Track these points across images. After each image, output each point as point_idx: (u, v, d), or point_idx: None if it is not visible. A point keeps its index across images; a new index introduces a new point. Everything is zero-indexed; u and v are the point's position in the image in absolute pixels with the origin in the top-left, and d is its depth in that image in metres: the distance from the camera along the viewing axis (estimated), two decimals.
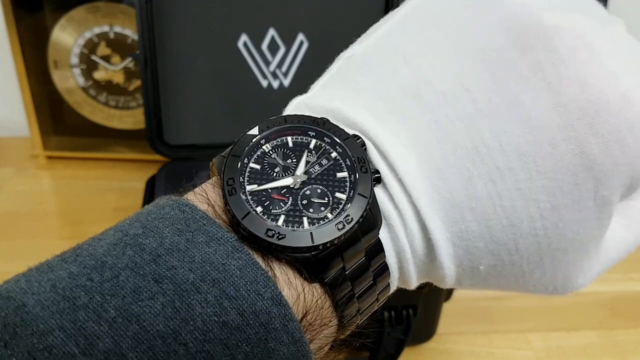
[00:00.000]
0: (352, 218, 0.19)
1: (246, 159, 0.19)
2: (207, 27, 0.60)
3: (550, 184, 0.21)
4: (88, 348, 0.15)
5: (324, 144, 0.20)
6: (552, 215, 0.21)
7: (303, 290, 0.19)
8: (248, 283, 0.17)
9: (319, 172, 0.19)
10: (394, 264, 0.22)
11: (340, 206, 0.19)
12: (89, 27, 0.66)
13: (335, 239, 0.18)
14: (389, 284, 0.22)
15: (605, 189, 0.21)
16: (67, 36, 0.67)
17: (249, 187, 0.19)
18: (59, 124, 0.73)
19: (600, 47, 0.22)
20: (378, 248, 0.21)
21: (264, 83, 0.62)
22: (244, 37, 0.60)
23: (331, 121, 0.21)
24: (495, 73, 0.21)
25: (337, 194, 0.19)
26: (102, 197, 0.65)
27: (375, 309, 0.22)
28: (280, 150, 0.20)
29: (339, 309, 0.20)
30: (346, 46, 0.67)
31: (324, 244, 0.18)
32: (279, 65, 0.61)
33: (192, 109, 0.61)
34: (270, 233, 0.18)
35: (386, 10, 0.61)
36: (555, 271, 0.23)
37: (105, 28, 0.67)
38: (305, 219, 0.19)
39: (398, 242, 0.21)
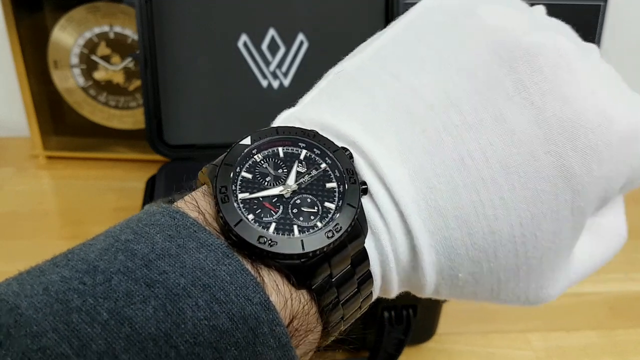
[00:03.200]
0: (341, 227, 0.19)
1: (238, 167, 0.20)
2: (207, 27, 0.60)
3: (531, 194, 0.22)
4: (81, 349, 0.15)
5: (313, 155, 0.21)
6: (531, 224, 0.22)
7: (290, 297, 0.19)
8: (238, 288, 0.18)
9: (309, 182, 0.20)
10: (378, 272, 0.22)
11: (330, 215, 0.20)
12: (89, 27, 0.67)
13: (325, 246, 0.19)
14: (371, 292, 0.23)
15: (582, 200, 0.23)
16: (67, 36, 0.67)
17: (241, 196, 0.19)
18: (59, 124, 0.73)
19: (580, 67, 0.23)
20: (363, 256, 0.21)
21: (264, 83, 0.62)
22: (244, 37, 0.60)
23: (320, 133, 0.22)
24: (481, 89, 0.22)
25: (327, 204, 0.20)
26: (102, 197, 0.65)
27: (358, 316, 0.23)
28: (272, 160, 0.20)
29: (324, 315, 0.21)
30: (346, 46, 0.67)
31: (314, 252, 0.19)
32: (279, 65, 0.61)
33: (192, 109, 0.61)
34: (262, 240, 0.18)
35: (386, 10, 0.61)
36: (528, 281, 0.24)
37: (105, 28, 0.67)
38: (295, 227, 0.19)
39: (382, 250, 0.22)
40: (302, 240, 0.19)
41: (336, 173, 0.20)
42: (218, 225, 0.19)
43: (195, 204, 0.21)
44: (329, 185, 0.20)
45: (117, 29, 0.67)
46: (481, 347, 0.47)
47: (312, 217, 0.19)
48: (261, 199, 0.19)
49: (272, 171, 0.20)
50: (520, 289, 0.24)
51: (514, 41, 0.23)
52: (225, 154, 0.20)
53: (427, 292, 0.24)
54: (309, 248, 0.19)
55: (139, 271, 0.17)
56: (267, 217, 0.19)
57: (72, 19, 0.66)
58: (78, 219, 0.62)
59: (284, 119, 0.25)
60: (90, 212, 0.63)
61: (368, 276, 0.22)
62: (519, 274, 0.23)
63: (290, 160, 0.20)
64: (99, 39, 0.67)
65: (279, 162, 0.20)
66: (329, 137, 0.22)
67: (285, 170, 0.20)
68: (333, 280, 0.20)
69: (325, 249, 0.19)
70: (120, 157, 0.71)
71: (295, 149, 0.21)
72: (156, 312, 0.16)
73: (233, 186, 0.19)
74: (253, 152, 0.20)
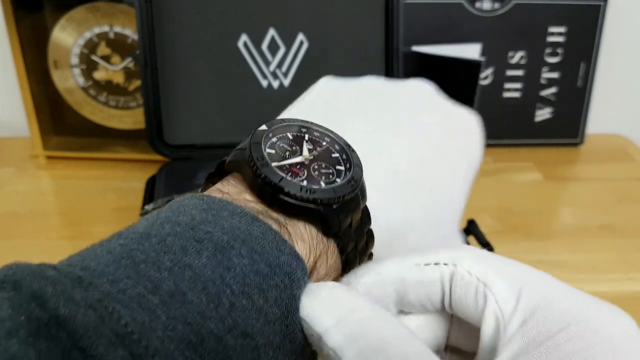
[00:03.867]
0: (356, 180, 0.24)
1: (263, 145, 0.23)
2: (207, 27, 0.60)
3: None
4: (155, 289, 0.18)
5: (314, 137, 0.25)
6: None
7: (315, 246, 0.23)
8: (270, 242, 0.21)
9: (318, 153, 0.24)
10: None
11: (343, 173, 0.24)
12: (89, 27, 0.66)
13: (350, 192, 0.23)
14: (372, 252, 0.26)
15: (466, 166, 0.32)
16: (67, 36, 0.67)
17: (272, 164, 0.23)
18: (59, 124, 0.73)
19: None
20: (368, 213, 0.25)
21: (264, 83, 0.61)
22: (244, 37, 0.60)
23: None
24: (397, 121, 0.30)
25: (337, 167, 0.24)
26: (102, 197, 0.65)
27: None
28: (284, 141, 0.24)
29: (347, 265, 0.24)
30: (346, 46, 0.67)
31: (344, 196, 0.23)
32: (279, 65, 0.61)
33: (192, 109, 0.61)
34: (303, 189, 0.22)
35: (386, 10, 0.61)
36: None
37: (105, 28, 0.67)
38: (321, 181, 0.23)
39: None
40: (332, 189, 0.23)
41: (336, 147, 0.25)
42: (253, 192, 0.23)
43: (217, 189, 0.23)
44: (334, 155, 0.25)
45: (117, 29, 0.67)
46: None
47: (330, 177, 0.24)
48: (288, 165, 0.23)
49: (288, 148, 0.24)
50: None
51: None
52: (249, 137, 0.24)
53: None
54: (339, 193, 0.23)
55: (186, 233, 0.20)
56: (298, 177, 0.23)
57: (72, 19, 0.66)
58: (78, 218, 0.62)
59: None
60: (90, 212, 0.63)
61: (372, 235, 0.25)
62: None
63: (298, 140, 0.25)
64: (99, 39, 0.67)
65: (290, 142, 0.24)
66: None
67: (297, 147, 0.24)
68: (352, 229, 0.24)
69: (351, 194, 0.23)
70: (120, 157, 0.71)
71: (299, 132, 0.25)
72: (209, 260, 0.19)
73: (265, 157, 0.23)
74: (270, 134, 0.24)
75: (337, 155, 0.25)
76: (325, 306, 0.20)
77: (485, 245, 0.51)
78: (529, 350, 0.19)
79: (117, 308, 0.17)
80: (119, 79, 0.69)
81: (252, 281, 0.19)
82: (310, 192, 0.22)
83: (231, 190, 0.23)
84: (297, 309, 0.20)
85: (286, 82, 0.62)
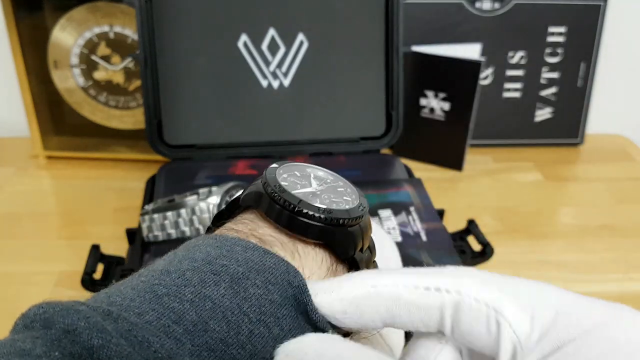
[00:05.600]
0: (364, 206, 0.25)
1: (277, 177, 0.25)
2: (207, 27, 0.60)
3: None
4: (179, 320, 0.19)
5: (319, 175, 0.27)
6: None
7: (326, 273, 0.23)
8: (282, 273, 0.21)
9: (326, 187, 0.26)
10: None
11: (351, 202, 0.25)
12: (89, 27, 0.66)
13: (360, 215, 0.24)
14: None
15: None
16: (67, 36, 0.67)
17: (289, 191, 0.24)
18: (59, 124, 0.73)
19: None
20: (374, 243, 0.26)
21: (264, 83, 0.61)
22: (244, 37, 0.60)
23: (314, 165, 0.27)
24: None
25: (345, 197, 0.26)
26: (102, 197, 0.65)
27: None
28: (294, 177, 0.26)
29: None
30: (346, 46, 0.68)
31: (356, 217, 0.24)
32: (279, 65, 0.61)
33: (192, 109, 0.61)
34: (321, 210, 0.23)
35: (386, 10, 0.61)
36: None
37: (105, 28, 0.67)
38: (334, 207, 0.24)
39: None
40: (347, 210, 0.24)
41: (340, 183, 0.27)
42: (269, 220, 0.24)
43: (230, 228, 0.24)
44: (340, 189, 0.26)
45: (117, 29, 0.67)
46: None
47: (340, 204, 0.25)
48: (302, 194, 0.25)
49: (298, 182, 0.26)
50: None
51: None
52: (262, 176, 0.26)
53: None
54: (353, 215, 0.24)
55: (204, 267, 0.21)
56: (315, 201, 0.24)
57: (72, 18, 0.66)
58: (78, 219, 0.62)
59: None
60: (90, 212, 0.63)
61: (377, 265, 0.26)
62: None
63: (305, 177, 0.26)
64: (99, 39, 0.67)
65: (299, 177, 0.26)
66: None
67: (306, 182, 0.26)
68: (363, 253, 0.25)
69: (362, 216, 0.24)
70: (120, 157, 0.71)
71: (305, 172, 0.27)
72: (227, 291, 0.20)
73: (281, 185, 0.25)
74: (280, 171, 0.26)
75: (342, 189, 0.26)
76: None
77: (485, 245, 0.51)
78: (549, 355, 0.19)
79: (146, 336, 0.18)
80: (119, 79, 0.69)
81: (267, 310, 0.20)
82: (327, 212, 0.23)
83: (243, 228, 0.24)
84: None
85: (286, 82, 0.62)
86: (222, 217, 0.26)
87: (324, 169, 0.27)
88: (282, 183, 0.25)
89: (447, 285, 0.21)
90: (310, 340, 0.20)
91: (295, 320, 0.21)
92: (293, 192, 0.24)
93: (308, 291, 0.21)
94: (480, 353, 0.21)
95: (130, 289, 0.20)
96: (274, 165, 0.26)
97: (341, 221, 0.23)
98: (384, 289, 0.21)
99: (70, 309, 0.18)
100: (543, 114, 0.77)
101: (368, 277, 0.22)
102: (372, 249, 0.26)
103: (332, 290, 0.21)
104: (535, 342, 0.20)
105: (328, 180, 0.26)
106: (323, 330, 0.21)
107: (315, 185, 0.26)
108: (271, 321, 0.20)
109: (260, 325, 0.20)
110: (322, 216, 0.23)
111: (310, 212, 0.23)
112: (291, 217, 0.23)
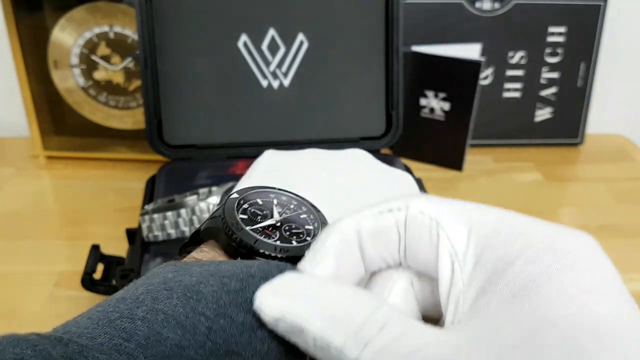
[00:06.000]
0: None
1: (236, 212, 0.25)
2: (207, 27, 0.60)
3: None
4: (130, 337, 0.19)
5: (283, 200, 0.27)
6: None
7: None
8: (238, 265, 0.22)
9: (288, 215, 0.26)
10: None
11: (312, 232, 0.26)
12: (89, 27, 0.67)
13: None
14: None
15: None
16: (67, 36, 0.67)
17: (247, 227, 0.25)
18: (59, 124, 0.73)
19: None
20: None
21: (264, 83, 0.61)
22: (244, 37, 0.60)
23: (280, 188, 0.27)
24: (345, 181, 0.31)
25: (307, 226, 0.26)
26: (102, 197, 0.65)
27: None
28: (255, 206, 0.26)
29: None
30: (346, 46, 0.67)
31: None
32: (279, 65, 0.61)
33: (192, 109, 0.61)
34: (277, 249, 0.24)
35: (386, 11, 0.61)
36: None
37: (105, 28, 0.67)
38: (293, 241, 0.25)
39: None
40: (302, 247, 0.24)
41: (303, 208, 0.27)
42: (227, 256, 0.24)
43: (192, 257, 0.25)
44: (302, 216, 0.26)
45: (117, 29, 0.67)
46: None
47: (301, 236, 0.25)
48: (261, 228, 0.25)
49: (259, 212, 0.26)
50: None
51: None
52: (221, 205, 0.26)
53: None
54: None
55: (159, 286, 0.21)
56: (271, 238, 0.25)
57: (72, 19, 0.66)
58: (78, 218, 0.62)
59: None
60: (90, 212, 0.63)
61: None
62: None
63: (268, 205, 0.26)
64: (98, 39, 0.67)
65: (260, 207, 0.26)
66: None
67: (268, 211, 0.26)
68: None
69: None
70: (120, 157, 0.71)
71: (268, 198, 0.27)
72: (179, 300, 0.20)
73: (239, 222, 0.25)
74: (241, 201, 0.26)
75: (305, 216, 0.26)
76: (294, 300, 0.20)
77: None
78: (488, 291, 0.19)
79: (96, 355, 0.18)
80: (119, 79, 0.69)
81: (225, 301, 0.21)
82: (283, 251, 0.24)
83: (204, 256, 0.24)
84: None
85: (286, 82, 0.62)
86: (186, 247, 0.26)
87: (289, 193, 0.27)
88: (241, 217, 0.25)
89: (398, 205, 0.22)
90: (287, 278, 0.21)
91: None
92: (251, 227, 0.24)
93: (272, 262, 0.22)
94: (427, 279, 0.22)
95: (86, 319, 0.20)
96: (235, 195, 0.26)
97: (297, 259, 0.23)
98: (348, 228, 0.22)
99: (21, 339, 0.19)
100: (543, 114, 0.77)
101: (333, 226, 0.23)
102: None
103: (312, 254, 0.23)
104: (472, 262, 0.20)
105: (291, 206, 0.26)
106: None
107: (276, 215, 0.26)
108: (232, 310, 0.20)
109: (219, 319, 0.20)
110: (279, 255, 0.24)
111: (267, 252, 0.24)
112: (248, 256, 0.24)
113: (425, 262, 0.22)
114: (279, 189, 0.27)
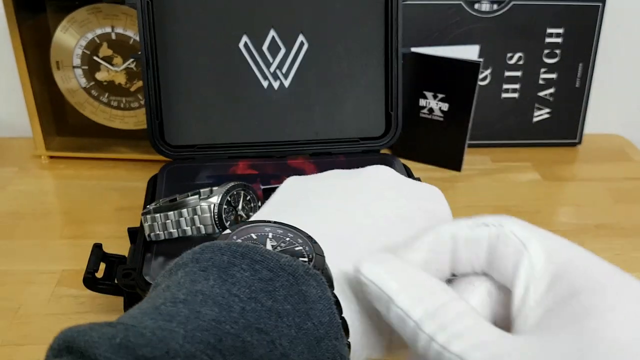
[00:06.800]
0: (318, 268, 0.25)
1: None
2: (209, 28, 0.60)
3: None
4: (171, 318, 0.21)
5: (278, 234, 0.27)
6: None
7: None
8: (269, 251, 0.24)
9: (282, 249, 0.26)
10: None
11: (307, 263, 0.25)
12: (91, 28, 0.67)
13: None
14: (349, 342, 0.26)
15: None
16: (69, 37, 0.68)
17: None
18: (61, 124, 0.74)
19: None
20: (337, 300, 0.25)
21: (265, 83, 0.62)
22: (244, 38, 0.61)
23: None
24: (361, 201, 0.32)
25: (302, 259, 0.25)
26: (104, 197, 0.66)
27: None
28: (249, 241, 0.26)
29: None
30: (346, 47, 0.68)
31: None
32: (280, 66, 0.62)
33: (193, 110, 0.61)
34: None
35: (386, 11, 0.61)
36: None
37: (107, 29, 0.67)
38: None
39: None
40: None
41: (299, 240, 0.26)
42: None
43: None
44: (297, 248, 0.26)
45: (119, 30, 0.67)
46: None
47: None
48: None
49: None
50: None
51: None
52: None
53: None
54: None
55: (194, 268, 0.23)
56: None
57: (74, 20, 0.67)
58: (80, 218, 0.63)
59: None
60: (92, 211, 0.64)
61: (345, 322, 0.26)
62: None
63: (261, 239, 0.26)
64: (100, 40, 0.68)
65: (254, 241, 0.26)
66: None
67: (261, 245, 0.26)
68: None
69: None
70: (122, 157, 0.72)
71: (262, 232, 0.27)
72: (216, 281, 0.22)
73: None
74: (234, 237, 0.26)
75: (300, 248, 0.26)
76: (389, 272, 0.24)
77: None
78: (556, 311, 0.22)
79: (140, 331, 0.20)
80: (120, 79, 0.70)
81: (257, 287, 0.22)
82: None
83: None
84: (306, 301, 0.23)
85: (286, 82, 0.62)
86: None
87: (285, 226, 0.27)
88: None
89: (493, 222, 0.25)
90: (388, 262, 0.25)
91: (291, 288, 0.23)
92: None
93: (299, 259, 0.24)
94: (503, 292, 0.25)
95: (137, 309, 0.22)
96: (227, 231, 0.26)
97: None
98: (445, 232, 0.26)
99: (82, 333, 0.20)
100: (541, 114, 0.77)
101: (431, 229, 0.27)
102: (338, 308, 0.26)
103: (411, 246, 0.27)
104: (545, 281, 0.23)
105: (287, 239, 0.27)
106: (325, 286, 0.24)
107: (269, 247, 0.26)
108: (262, 296, 0.22)
109: (251, 302, 0.22)
110: None
111: None
112: None
113: (505, 275, 0.25)
114: (275, 222, 0.27)
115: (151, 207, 0.48)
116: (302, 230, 0.27)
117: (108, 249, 0.49)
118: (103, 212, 0.63)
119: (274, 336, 0.21)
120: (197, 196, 0.46)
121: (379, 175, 0.35)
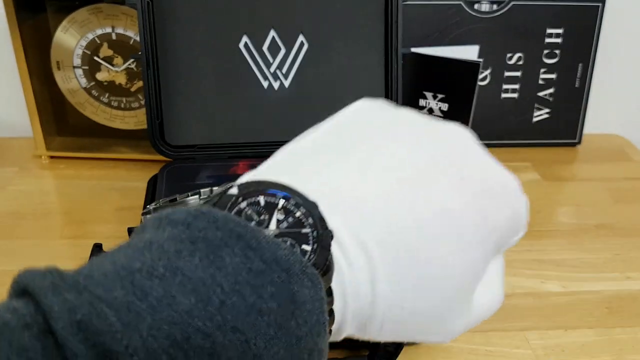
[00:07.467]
0: (318, 266, 0.23)
1: (228, 213, 0.23)
2: (209, 28, 0.60)
3: (457, 231, 0.28)
4: (144, 296, 0.19)
5: (289, 206, 0.24)
6: (458, 257, 0.28)
7: None
8: (266, 237, 0.21)
9: (287, 225, 0.24)
10: (339, 309, 0.26)
11: (308, 255, 0.23)
12: (91, 28, 0.67)
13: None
14: (331, 330, 0.25)
15: (495, 235, 0.31)
16: (69, 37, 0.68)
17: None
18: (61, 124, 0.74)
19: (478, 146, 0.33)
20: (329, 292, 0.24)
21: (265, 84, 0.62)
22: (245, 39, 0.61)
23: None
24: (427, 163, 0.29)
25: (304, 246, 0.23)
26: (105, 197, 0.66)
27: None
28: (255, 207, 0.23)
29: None
30: (346, 47, 0.68)
31: None
32: (280, 66, 0.62)
33: (193, 110, 0.61)
34: None
35: (386, 11, 0.61)
36: (444, 317, 0.29)
37: (108, 29, 0.67)
38: None
39: (344, 287, 0.26)
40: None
41: (309, 220, 0.23)
42: None
43: None
44: (304, 230, 0.23)
45: (119, 31, 0.67)
46: (479, 345, 0.48)
47: None
48: None
49: (255, 217, 0.23)
50: (441, 324, 0.29)
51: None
52: (215, 202, 0.24)
53: (374, 326, 0.27)
54: None
55: (182, 234, 0.21)
56: None
57: (74, 20, 0.67)
58: (80, 218, 0.63)
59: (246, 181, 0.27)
60: (93, 211, 0.64)
61: (331, 313, 0.25)
62: (443, 309, 0.28)
63: (270, 208, 0.24)
64: (101, 40, 0.68)
65: (260, 209, 0.24)
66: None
67: (267, 216, 0.23)
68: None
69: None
70: (122, 157, 0.72)
71: (273, 199, 0.24)
72: (202, 261, 0.20)
73: None
74: (239, 200, 0.23)
75: (307, 230, 0.23)
76: None
77: None
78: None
79: (104, 310, 0.18)
80: (121, 79, 0.70)
81: (243, 279, 0.20)
82: None
83: None
84: (294, 301, 0.21)
85: (287, 82, 0.62)
86: None
87: (301, 197, 0.24)
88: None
89: None
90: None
91: (282, 285, 0.21)
92: None
93: (298, 255, 0.22)
94: None
95: (110, 263, 0.20)
96: (234, 190, 0.23)
97: None
98: None
99: (38, 274, 0.20)
100: (541, 114, 0.77)
101: None
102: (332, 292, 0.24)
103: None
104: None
105: (297, 215, 0.24)
106: (320, 287, 0.22)
107: (274, 222, 0.24)
108: (246, 290, 0.20)
109: (233, 295, 0.20)
110: None
111: None
112: None
113: None
114: (293, 190, 0.24)
115: (151, 207, 0.48)
116: (316, 208, 0.24)
117: (108, 248, 0.49)
118: (103, 212, 0.63)
119: (249, 336, 0.20)
120: (197, 196, 0.46)
121: (457, 138, 0.32)
